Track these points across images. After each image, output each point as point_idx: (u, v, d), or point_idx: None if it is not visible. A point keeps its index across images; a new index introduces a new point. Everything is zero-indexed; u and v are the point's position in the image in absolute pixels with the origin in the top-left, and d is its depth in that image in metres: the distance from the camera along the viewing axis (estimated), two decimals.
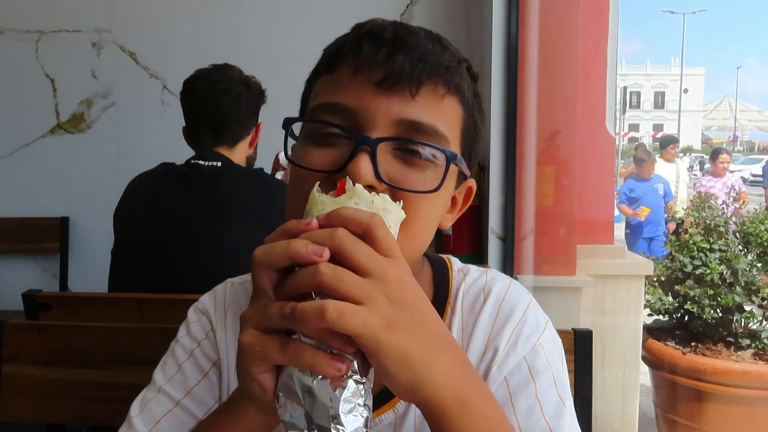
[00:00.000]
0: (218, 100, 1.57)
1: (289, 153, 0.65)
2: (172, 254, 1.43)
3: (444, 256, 0.77)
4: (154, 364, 1.08)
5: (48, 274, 2.79)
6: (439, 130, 0.61)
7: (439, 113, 0.62)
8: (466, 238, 2.41)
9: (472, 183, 0.71)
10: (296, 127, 0.66)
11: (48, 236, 2.71)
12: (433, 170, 0.61)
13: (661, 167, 6.03)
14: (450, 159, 0.61)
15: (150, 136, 2.71)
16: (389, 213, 0.52)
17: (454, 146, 0.64)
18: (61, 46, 2.71)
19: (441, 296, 0.72)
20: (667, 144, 6.44)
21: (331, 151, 0.60)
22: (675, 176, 6.03)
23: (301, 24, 2.69)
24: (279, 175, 1.97)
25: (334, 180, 0.58)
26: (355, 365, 0.46)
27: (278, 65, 2.62)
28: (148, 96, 2.72)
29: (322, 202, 0.50)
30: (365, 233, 0.47)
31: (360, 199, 0.50)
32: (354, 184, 0.51)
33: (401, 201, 0.54)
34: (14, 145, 2.75)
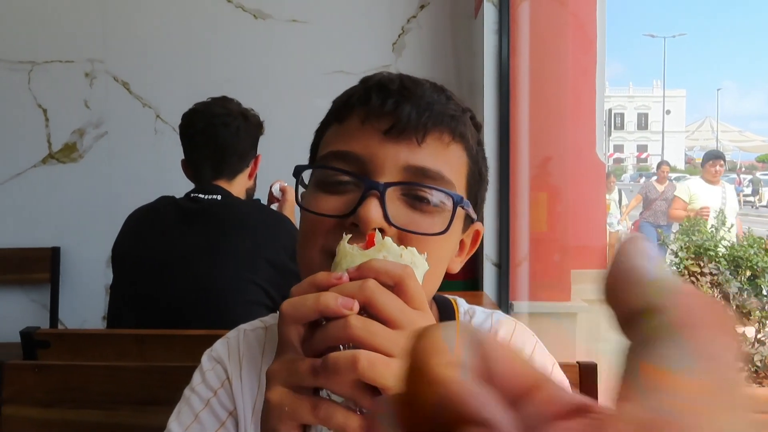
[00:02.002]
0: (218, 134, 1.58)
1: (299, 199, 0.66)
2: (173, 290, 1.41)
3: (450, 297, 0.77)
4: (155, 404, 1.07)
5: (38, 305, 2.75)
6: (445, 176, 0.63)
7: (445, 160, 0.64)
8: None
9: (479, 226, 0.72)
10: (306, 176, 0.68)
11: (38, 267, 2.68)
12: (440, 215, 0.63)
13: (701, 190, 4.82)
14: (456, 202, 0.63)
15: (143, 166, 2.70)
16: (416, 267, 0.52)
17: (460, 191, 0.66)
18: (53, 77, 2.72)
19: None
20: (709, 160, 5.00)
21: (341, 197, 0.62)
22: (720, 202, 4.71)
23: (294, 52, 2.72)
24: (273, 207, 1.98)
25: (344, 225, 0.60)
26: None
27: (271, 92, 2.64)
28: (141, 125, 2.73)
29: (351, 255, 0.51)
30: (396, 285, 0.47)
31: (389, 253, 0.51)
32: (383, 237, 0.52)
33: (426, 254, 0.55)
34: (5, 174, 2.73)
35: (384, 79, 0.66)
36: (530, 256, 2.42)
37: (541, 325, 2.32)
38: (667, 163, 7.59)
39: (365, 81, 0.67)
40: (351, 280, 0.47)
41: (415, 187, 0.62)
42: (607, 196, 6.78)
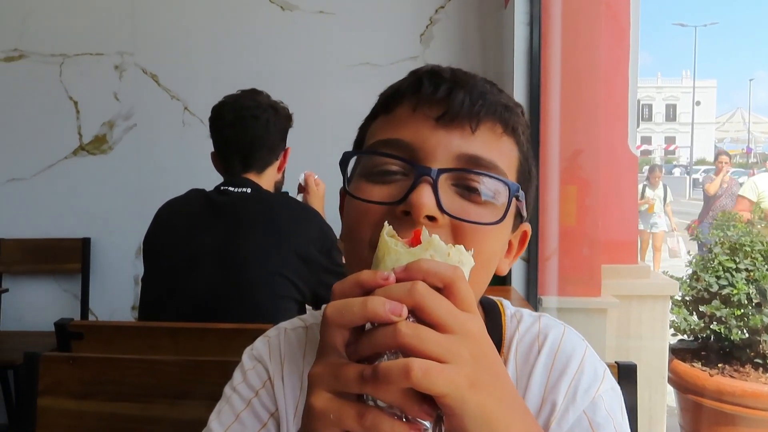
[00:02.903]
0: (247, 127, 1.57)
1: (346, 187, 0.63)
2: (203, 283, 1.42)
3: (495, 298, 0.74)
4: (191, 398, 1.07)
5: (69, 295, 2.80)
6: (499, 166, 0.61)
7: (498, 151, 0.62)
8: None
9: (527, 227, 0.69)
10: (350, 170, 0.65)
11: (70, 257, 2.73)
12: (493, 209, 0.60)
13: None
14: (512, 191, 0.60)
15: (171, 157, 2.73)
16: (464, 266, 0.49)
17: None
18: (84, 69, 2.75)
19: (495, 346, 0.69)
20: None
21: (390, 186, 0.59)
22: None
23: (321, 43, 2.70)
24: (299, 197, 1.97)
25: (394, 214, 0.57)
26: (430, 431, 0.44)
27: (298, 84, 2.64)
28: (170, 117, 2.74)
29: (396, 252, 0.48)
30: (446, 287, 0.45)
31: (436, 252, 0.48)
32: (431, 235, 0.49)
33: (473, 250, 0.52)
34: (38, 166, 2.77)
35: (435, 67, 0.64)
36: (559, 250, 2.38)
37: (570, 320, 2.27)
38: (726, 153, 5.69)
39: (415, 72, 0.65)
40: (398, 280, 0.45)
41: (470, 174, 0.59)
42: (652, 192, 6.22)
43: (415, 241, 0.49)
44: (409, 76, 0.65)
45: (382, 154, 0.60)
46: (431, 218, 0.56)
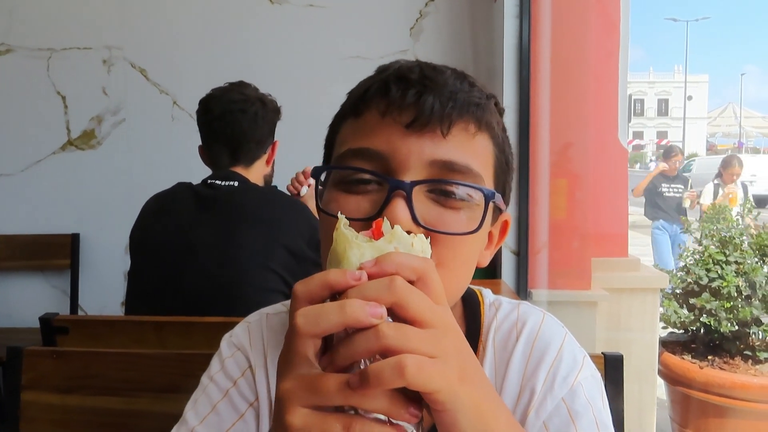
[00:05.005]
0: (235, 120, 1.56)
1: (319, 203, 0.63)
2: (190, 277, 1.41)
3: (475, 288, 0.74)
4: (174, 392, 1.07)
5: (58, 291, 2.78)
6: (473, 169, 0.60)
7: (472, 151, 0.61)
8: None
9: (507, 216, 0.69)
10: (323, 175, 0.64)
11: (59, 253, 2.71)
12: (469, 210, 0.60)
13: None
14: (488, 198, 0.60)
15: (160, 152, 2.71)
16: (425, 254, 0.49)
17: (488, 183, 0.63)
18: (72, 64, 2.72)
19: (472, 334, 0.69)
20: None
21: (363, 197, 0.59)
22: None
23: (311, 37, 2.69)
24: (304, 189, 1.96)
25: (369, 226, 0.57)
26: None
27: (288, 78, 2.62)
28: (159, 112, 2.73)
29: (359, 246, 0.46)
30: (420, 279, 0.44)
31: (400, 243, 0.47)
32: (392, 227, 0.48)
33: (429, 237, 0.52)
34: (25, 162, 2.75)
35: (402, 68, 0.62)
36: (549, 243, 2.38)
37: (560, 313, 2.26)
38: None
39: (382, 71, 0.63)
40: (369, 276, 0.43)
41: (443, 184, 0.58)
42: (718, 188, 5.11)
43: (377, 233, 0.47)
44: (376, 76, 0.63)
45: (353, 169, 0.59)
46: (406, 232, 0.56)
